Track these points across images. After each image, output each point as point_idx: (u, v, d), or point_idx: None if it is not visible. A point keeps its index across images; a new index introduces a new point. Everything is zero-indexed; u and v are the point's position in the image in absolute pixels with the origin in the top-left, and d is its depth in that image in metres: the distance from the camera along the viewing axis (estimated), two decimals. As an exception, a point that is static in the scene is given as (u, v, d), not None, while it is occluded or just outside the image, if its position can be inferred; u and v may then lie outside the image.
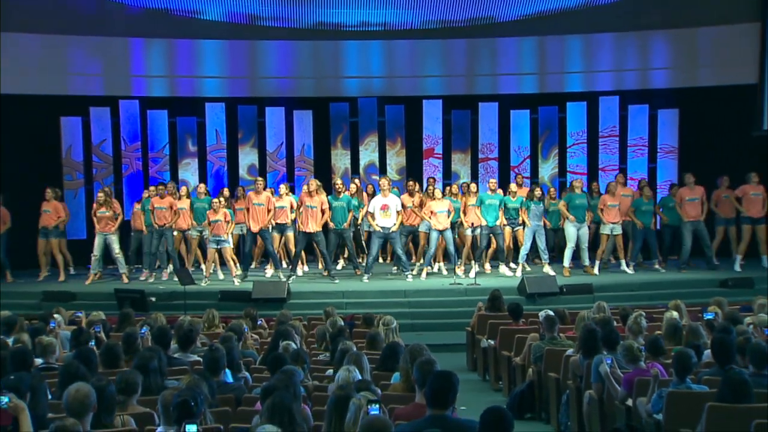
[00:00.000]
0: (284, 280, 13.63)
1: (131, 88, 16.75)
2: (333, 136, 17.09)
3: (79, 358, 6.42)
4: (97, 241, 14.09)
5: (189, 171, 16.84)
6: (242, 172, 16.92)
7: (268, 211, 13.87)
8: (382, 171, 17.00)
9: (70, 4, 15.66)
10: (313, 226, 13.83)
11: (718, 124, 16.12)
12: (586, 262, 14.30)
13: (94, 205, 14.29)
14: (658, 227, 15.19)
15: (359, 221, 14.71)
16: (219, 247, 13.91)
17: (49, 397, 6.01)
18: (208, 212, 13.95)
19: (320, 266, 14.98)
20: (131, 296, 12.74)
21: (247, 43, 16.66)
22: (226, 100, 16.95)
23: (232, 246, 14.21)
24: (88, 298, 13.10)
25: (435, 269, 14.83)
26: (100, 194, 14.24)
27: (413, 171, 16.67)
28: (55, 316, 9.42)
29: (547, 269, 14.05)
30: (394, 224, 13.88)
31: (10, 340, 7.78)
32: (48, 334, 8.19)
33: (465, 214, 14.35)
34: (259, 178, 14.62)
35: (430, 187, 14.54)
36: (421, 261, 14.58)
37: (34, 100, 15.78)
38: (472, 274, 13.78)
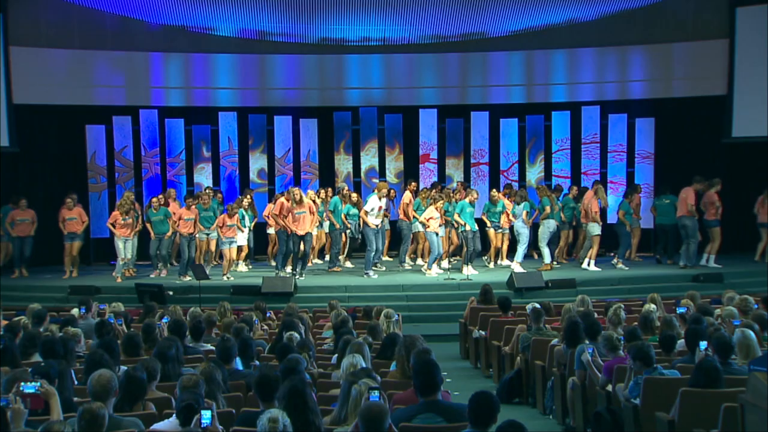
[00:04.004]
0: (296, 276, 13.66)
1: (151, 98, 16.72)
2: (336, 142, 17.07)
3: (103, 346, 6.43)
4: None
5: (203, 175, 16.82)
6: (252, 176, 16.91)
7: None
8: (382, 175, 16.98)
9: (96, 22, 15.67)
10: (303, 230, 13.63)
11: (691, 132, 16.16)
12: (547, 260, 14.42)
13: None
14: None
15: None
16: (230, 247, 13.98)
17: (75, 382, 6.00)
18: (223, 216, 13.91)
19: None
20: (150, 290, 12.74)
21: (257, 57, 16.64)
22: (238, 110, 16.90)
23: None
24: (112, 292, 13.08)
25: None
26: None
27: (410, 175, 16.63)
28: (94, 304, 9.42)
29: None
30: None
31: (41, 329, 7.79)
32: (77, 322, 8.22)
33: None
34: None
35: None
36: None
37: (62, 109, 15.85)
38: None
